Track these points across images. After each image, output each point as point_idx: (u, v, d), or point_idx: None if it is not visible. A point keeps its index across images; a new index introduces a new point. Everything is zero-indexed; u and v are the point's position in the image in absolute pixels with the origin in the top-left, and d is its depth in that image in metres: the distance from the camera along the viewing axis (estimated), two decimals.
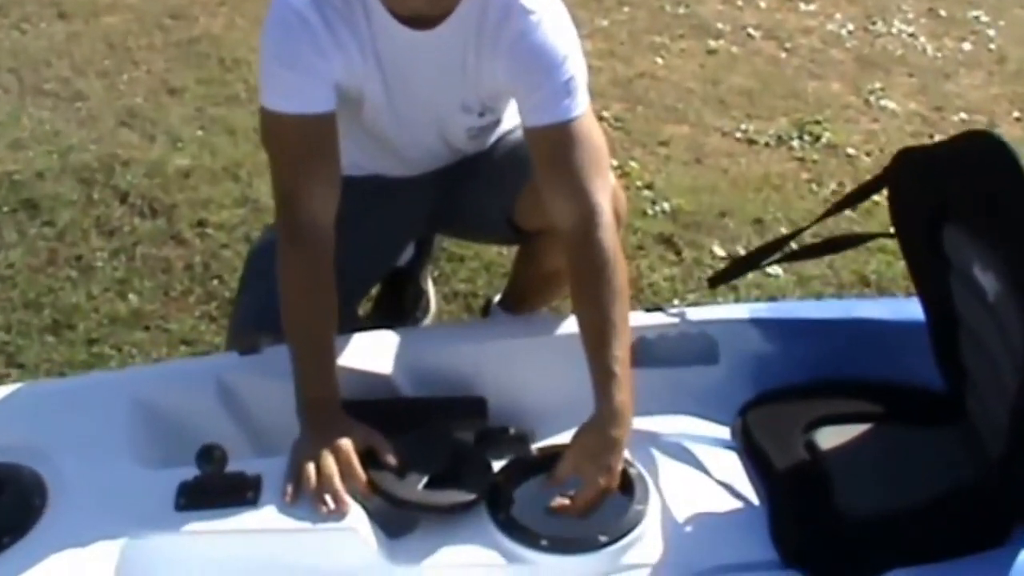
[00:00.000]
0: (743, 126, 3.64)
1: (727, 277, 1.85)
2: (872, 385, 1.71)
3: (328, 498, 1.40)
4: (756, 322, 1.78)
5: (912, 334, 1.66)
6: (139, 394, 1.64)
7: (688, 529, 1.49)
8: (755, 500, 1.56)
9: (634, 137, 3.52)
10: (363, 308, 2.26)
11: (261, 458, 1.60)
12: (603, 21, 4.37)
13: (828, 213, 1.73)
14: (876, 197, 1.75)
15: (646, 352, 1.73)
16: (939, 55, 4.31)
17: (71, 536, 1.37)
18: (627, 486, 1.52)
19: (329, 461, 1.43)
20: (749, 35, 4.36)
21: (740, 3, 4.64)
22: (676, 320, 1.79)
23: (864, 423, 1.64)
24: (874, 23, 4.55)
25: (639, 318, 1.75)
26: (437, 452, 1.53)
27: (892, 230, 1.64)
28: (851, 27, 4.50)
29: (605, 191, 1.61)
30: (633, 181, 3.19)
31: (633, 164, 3.31)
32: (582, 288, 1.59)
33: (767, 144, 3.54)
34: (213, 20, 4.15)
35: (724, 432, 1.69)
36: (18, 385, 1.73)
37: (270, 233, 1.88)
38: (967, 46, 4.40)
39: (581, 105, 1.63)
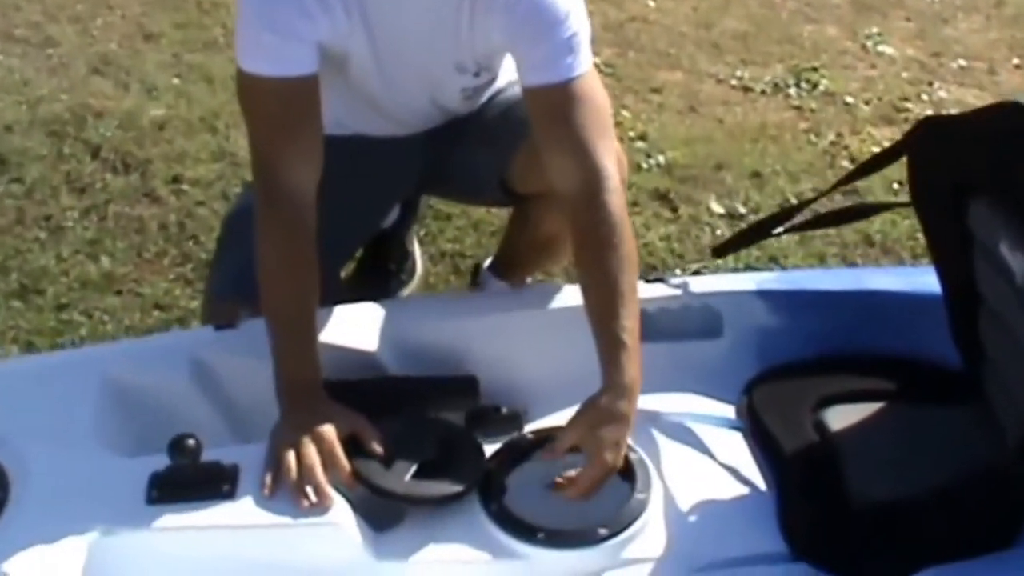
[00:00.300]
0: (738, 72, 3.53)
1: (733, 247, 1.76)
2: (883, 360, 1.62)
3: (309, 490, 1.32)
4: (762, 294, 1.68)
5: (926, 307, 1.57)
6: (108, 374, 1.54)
7: (692, 519, 1.41)
8: (762, 486, 1.48)
9: (625, 84, 3.41)
10: (345, 271, 2.16)
11: (239, 444, 1.53)
12: None
13: (842, 182, 1.63)
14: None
15: (646, 325, 1.62)
16: None
17: (35, 532, 1.28)
18: (628, 472, 1.43)
19: (310, 450, 1.35)
20: None
21: None
22: (678, 291, 1.69)
23: (875, 401, 1.56)
24: None
25: (638, 289, 1.65)
26: (425, 437, 1.45)
27: (910, 199, 1.54)
28: None
29: (609, 153, 1.51)
30: (626, 131, 3.08)
31: (625, 113, 3.20)
32: (588, 255, 1.49)
33: (763, 92, 3.43)
34: None
35: (729, 411, 1.60)
36: None
37: (249, 194, 1.77)
38: None
39: (584, 63, 1.53)
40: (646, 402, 1.51)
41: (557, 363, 1.59)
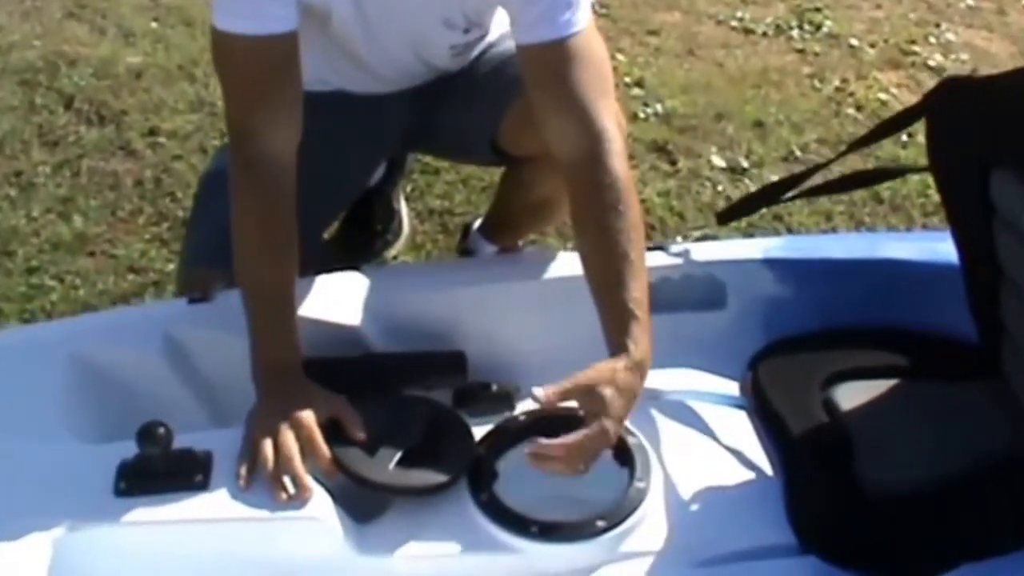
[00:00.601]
0: (738, 13, 3.40)
1: (738, 213, 1.66)
2: (897, 334, 1.53)
3: (287, 482, 1.24)
4: (768, 262, 1.59)
5: (944, 277, 1.48)
6: (74, 352, 1.46)
7: (694, 508, 1.33)
8: (769, 471, 1.39)
9: (621, 26, 3.28)
10: (328, 232, 2.06)
11: (214, 427, 1.45)
12: None
13: (856, 145, 1.52)
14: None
15: None
16: None
17: None
18: (626, 458, 1.34)
19: (288, 438, 1.26)
20: None
21: None
22: (678, 260, 1.60)
23: (888, 378, 1.47)
24: None
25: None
26: (410, 420, 1.36)
27: (928, 165, 1.44)
28: None
29: (610, 114, 1.41)
30: (621, 77, 2.95)
31: (620, 57, 3.07)
32: (592, 222, 1.38)
33: (764, 34, 3.31)
34: None
35: (732, 387, 1.52)
36: None
37: (226, 152, 1.67)
38: None
39: (583, 18, 1.42)
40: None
41: (552, 336, 1.51)
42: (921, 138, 1.47)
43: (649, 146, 2.65)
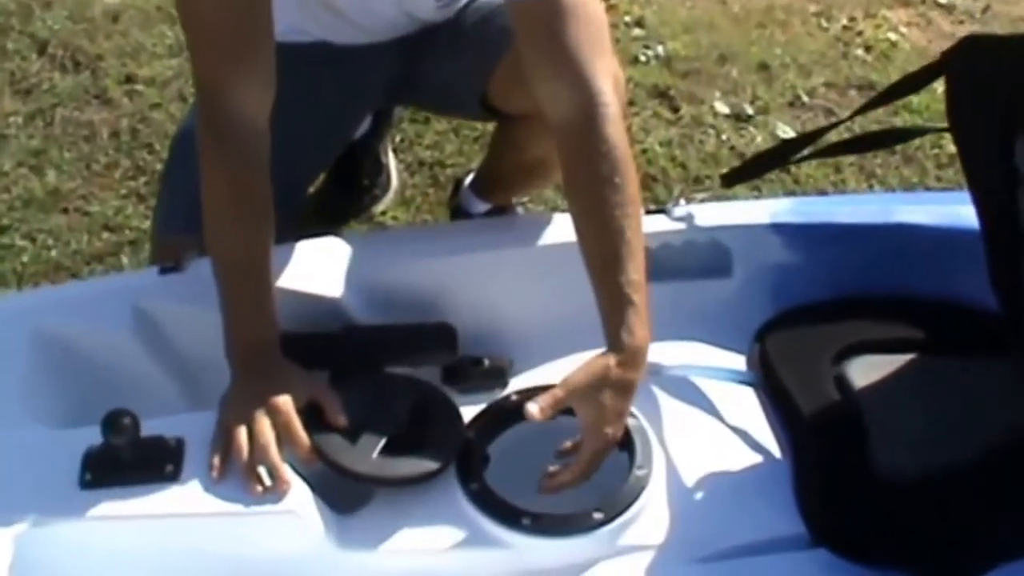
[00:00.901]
0: None
1: (746, 175, 1.55)
2: (914, 304, 1.44)
3: (263, 473, 1.16)
4: (777, 227, 1.49)
5: (963, 243, 1.38)
6: (36, 327, 1.37)
7: (698, 497, 1.25)
8: (777, 453, 1.31)
9: None
10: (313, 187, 1.96)
11: (188, 410, 1.36)
12: None
13: (870, 105, 1.42)
14: None
15: (646, 263, 1.45)
16: None
17: None
18: (627, 443, 1.26)
19: (264, 425, 1.18)
20: None
21: None
22: (681, 224, 1.50)
23: (904, 352, 1.38)
24: None
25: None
26: (395, 402, 1.28)
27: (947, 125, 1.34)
28: None
29: (607, 75, 1.30)
30: (621, 16, 2.83)
31: None
32: (585, 196, 1.28)
33: None
34: None
35: (739, 361, 1.43)
36: None
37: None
38: None
39: None
40: None
41: (548, 306, 1.42)
42: (936, 85, 1.38)
43: (650, 92, 2.53)
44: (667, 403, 1.36)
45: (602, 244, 1.25)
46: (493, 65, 1.54)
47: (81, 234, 2.10)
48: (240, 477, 1.16)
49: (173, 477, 1.16)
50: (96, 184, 2.22)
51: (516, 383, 1.38)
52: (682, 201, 1.51)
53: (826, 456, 1.27)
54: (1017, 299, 1.34)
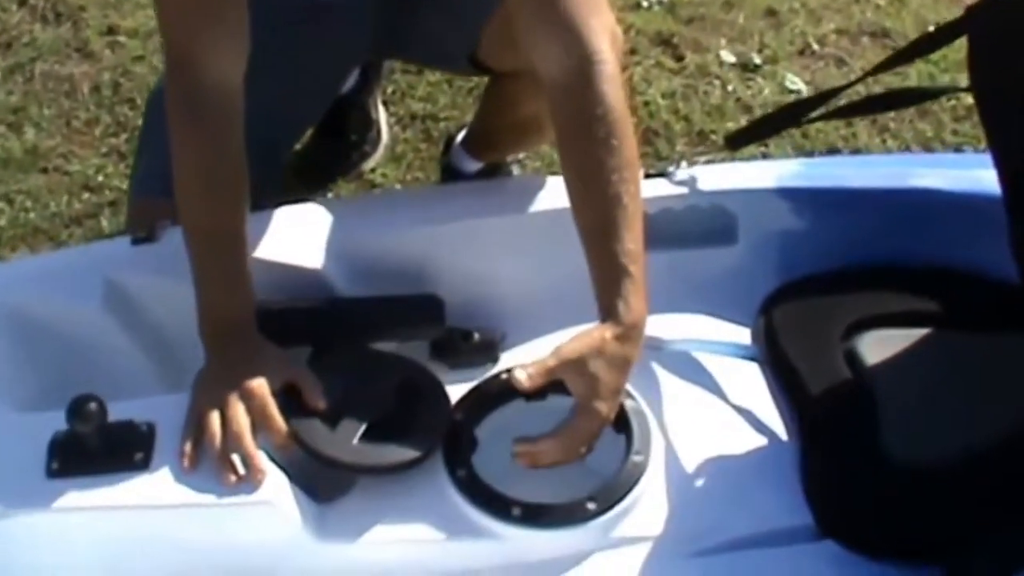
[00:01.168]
0: None
1: (753, 137, 1.46)
2: (929, 274, 1.36)
3: (237, 461, 1.09)
4: (785, 191, 1.41)
5: (982, 209, 1.30)
6: (3, 302, 1.31)
7: (699, 484, 1.18)
8: (783, 435, 1.24)
9: None
10: (300, 143, 1.88)
11: (162, 390, 1.30)
12: None
13: (887, 64, 1.33)
14: None
15: (645, 231, 1.37)
16: None
17: None
18: (623, 426, 1.19)
19: (237, 410, 1.12)
20: None
21: None
22: (683, 189, 1.42)
23: (918, 326, 1.31)
24: None
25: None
26: (377, 382, 1.21)
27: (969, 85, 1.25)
28: None
29: (604, 32, 1.21)
30: None
31: None
32: (580, 160, 1.21)
33: None
34: None
35: (743, 334, 1.35)
36: None
37: None
38: None
39: None
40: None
41: (541, 276, 1.35)
42: None
43: (653, 39, 2.43)
44: (666, 380, 1.29)
45: (597, 211, 1.18)
46: (482, 21, 1.46)
47: (60, 195, 2.03)
48: (212, 466, 1.10)
49: (143, 466, 1.11)
50: (76, 142, 2.15)
51: (508, 358, 1.31)
52: (684, 163, 1.41)
53: (835, 439, 1.20)
54: None
